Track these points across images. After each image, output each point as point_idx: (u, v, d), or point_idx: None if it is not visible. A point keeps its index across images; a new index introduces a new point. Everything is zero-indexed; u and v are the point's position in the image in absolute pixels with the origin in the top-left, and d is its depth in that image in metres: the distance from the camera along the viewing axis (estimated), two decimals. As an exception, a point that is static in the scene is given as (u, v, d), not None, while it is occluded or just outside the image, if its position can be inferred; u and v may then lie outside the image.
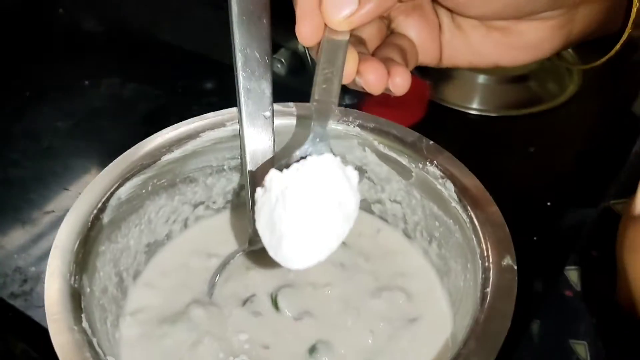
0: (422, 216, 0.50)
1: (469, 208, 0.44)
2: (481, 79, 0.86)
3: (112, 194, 0.45)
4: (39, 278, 0.58)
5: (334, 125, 0.51)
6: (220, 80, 0.82)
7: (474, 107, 0.83)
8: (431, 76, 0.85)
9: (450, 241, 0.47)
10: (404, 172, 0.49)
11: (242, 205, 0.56)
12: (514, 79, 0.87)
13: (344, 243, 0.52)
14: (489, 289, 0.39)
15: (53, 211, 0.65)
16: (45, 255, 0.62)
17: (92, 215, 0.43)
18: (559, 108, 0.84)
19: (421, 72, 0.86)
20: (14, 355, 0.63)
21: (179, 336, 0.45)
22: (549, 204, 0.70)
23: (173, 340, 0.45)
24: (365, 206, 0.55)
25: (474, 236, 0.43)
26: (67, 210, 0.67)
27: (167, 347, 0.44)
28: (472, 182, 0.46)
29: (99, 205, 0.44)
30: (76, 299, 0.38)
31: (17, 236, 0.63)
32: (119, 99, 0.82)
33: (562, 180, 0.74)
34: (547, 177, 0.74)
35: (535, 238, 0.64)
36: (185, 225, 0.53)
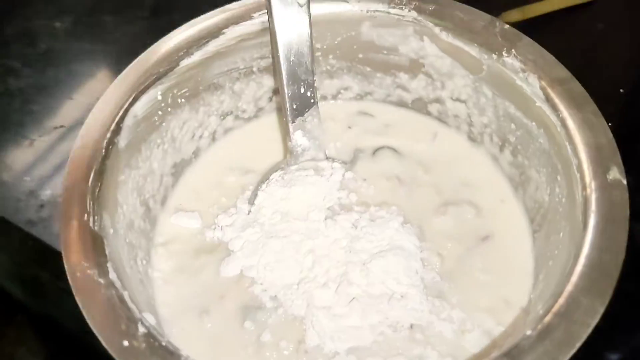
0: (494, 118, 0.42)
1: (560, 108, 0.36)
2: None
3: (126, 111, 0.37)
4: (56, 203, 0.52)
5: (385, 10, 0.42)
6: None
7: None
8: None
9: (530, 147, 0.40)
10: (472, 64, 0.41)
11: (276, 111, 0.48)
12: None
13: (398, 152, 0.45)
14: (593, 210, 0.32)
15: (62, 126, 0.58)
16: (59, 176, 0.55)
17: (105, 140, 0.36)
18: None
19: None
20: (42, 284, 0.59)
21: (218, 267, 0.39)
22: (622, 90, 0.61)
23: (212, 273, 0.39)
24: (420, 106, 0.47)
25: (567, 143, 0.35)
26: (75, 123, 0.60)
27: (205, 281, 0.39)
28: (562, 74, 0.37)
29: (112, 127, 0.36)
30: (98, 245, 0.32)
31: (25, 155, 0.56)
32: (122, -9, 0.71)
33: (636, 64, 0.64)
34: (619, 60, 0.65)
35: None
36: (214, 139, 0.46)
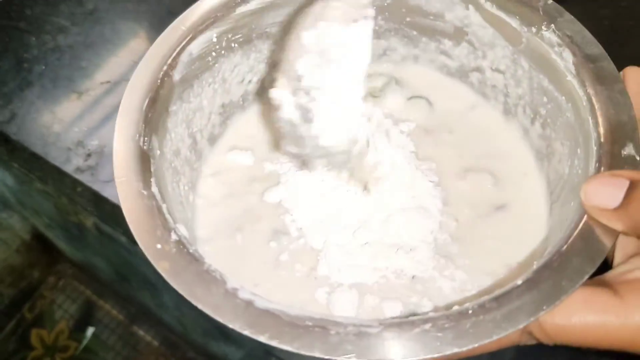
0: (528, 90, 0.44)
1: (587, 84, 0.37)
2: None
3: (183, 48, 0.41)
4: (102, 152, 0.57)
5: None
6: None
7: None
8: None
9: (558, 121, 0.41)
10: (512, 36, 0.42)
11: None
12: None
13: (430, 104, 0.47)
14: (602, 181, 0.33)
15: (108, 82, 0.63)
16: (105, 128, 0.60)
17: (162, 72, 0.40)
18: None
19: None
20: (86, 227, 0.64)
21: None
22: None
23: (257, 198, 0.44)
24: (462, 74, 0.49)
25: (590, 117, 0.36)
26: (120, 78, 0.63)
27: (249, 204, 0.44)
28: (596, 52, 0.38)
29: (169, 61, 0.40)
30: (145, 162, 0.36)
31: (74, 108, 0.62)
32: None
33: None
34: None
35: None
36: (262, 87, 0.49)
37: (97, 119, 0.60)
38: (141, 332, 0.98)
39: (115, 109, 0.38)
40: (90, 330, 0.97)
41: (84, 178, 0.55)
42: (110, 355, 0.94)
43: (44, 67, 0.65)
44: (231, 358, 0.65)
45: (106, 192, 0.54)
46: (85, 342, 0.97)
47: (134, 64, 0.39)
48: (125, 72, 0.62)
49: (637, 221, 0.28)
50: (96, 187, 0.54)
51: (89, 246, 0.78)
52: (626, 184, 0.29)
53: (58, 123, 0.60)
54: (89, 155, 0.56)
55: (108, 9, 0.69)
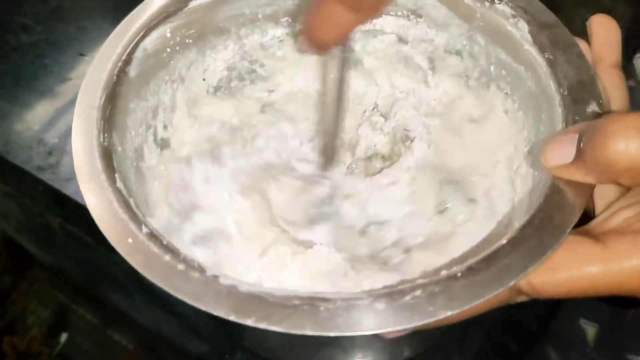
0: (486, 66, 0.44)
1: (546, 49, 0.38)
2: None
3: (137, 44, 0.39)
4: (63, 150, 0.55)
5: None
6: None
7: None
8: None
9: (519, 91, 0.42)
10: (466, 13, 0.43)
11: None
12: None
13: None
14: (571, 139, 0.34)
15: (71, 79, 0.61)
16: (68, 127, 0.58)
17: (117, 68, 0.38)
18: None
19: None
20: (53, 228, 0.62)
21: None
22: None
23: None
24: (419, 56, 0.49)
25: (551, 82, 0.37)
26: (84, 76, 0.62)
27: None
28: (549, 19, 0.39)
29: (124, 57, 0.39)
30: (107, 158, 0.34)
31: (37, 107, 0.60)
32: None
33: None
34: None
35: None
36: (218, 86, 0.48)
37: (59, 117, 0.58)
38: (116, 336, 0.94)
39: (78, 106, 0.36)
40: (63, 336, 0.93)
41: (45, 176, 0.53)
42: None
43: (6, 66, 0.62)
44: (196, 353, 0.63)
45: (68, 190, 0.51)
46: (59, 347, 0.92)
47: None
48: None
49: (593, 166, 0.29)
50: (58, 185, 0.52)
51: (58, 249, 0.76)
52: (576, 137, 0.30)
53: (20, 122, 0.58)
54: (49, 153, 0.54)
55: (72, 7, 0.68)
